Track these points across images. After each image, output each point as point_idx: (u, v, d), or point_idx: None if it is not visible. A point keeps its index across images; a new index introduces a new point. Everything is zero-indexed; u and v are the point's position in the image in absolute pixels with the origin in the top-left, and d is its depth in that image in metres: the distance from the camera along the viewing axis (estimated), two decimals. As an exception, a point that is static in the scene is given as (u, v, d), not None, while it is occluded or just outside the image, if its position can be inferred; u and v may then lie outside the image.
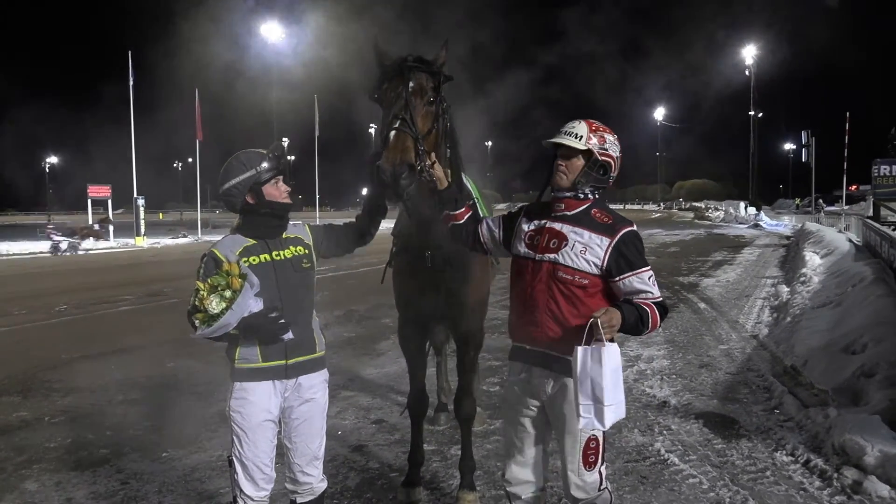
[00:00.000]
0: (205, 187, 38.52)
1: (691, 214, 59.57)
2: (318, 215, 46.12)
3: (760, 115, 57.20)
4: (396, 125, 2.92)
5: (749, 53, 54.05)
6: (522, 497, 2.93)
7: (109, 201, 32.28)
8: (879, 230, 13.10)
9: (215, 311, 2.60)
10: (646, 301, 2.61)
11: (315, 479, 3.01)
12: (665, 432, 5.03)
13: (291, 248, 2.94)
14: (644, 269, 2.63)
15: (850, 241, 16.07)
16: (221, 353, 2.94)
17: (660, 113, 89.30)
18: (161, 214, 66.20)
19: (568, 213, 2.72)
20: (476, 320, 3.86)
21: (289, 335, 2.80)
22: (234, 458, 2.86)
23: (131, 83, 30.37)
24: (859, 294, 8.29)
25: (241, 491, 2.86)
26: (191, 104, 33.12)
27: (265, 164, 2.84)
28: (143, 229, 30.26)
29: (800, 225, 27.90)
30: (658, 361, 7.16)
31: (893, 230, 15.72)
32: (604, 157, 2.68)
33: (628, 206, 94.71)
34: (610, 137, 2.70)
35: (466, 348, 3.91)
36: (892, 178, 21.12)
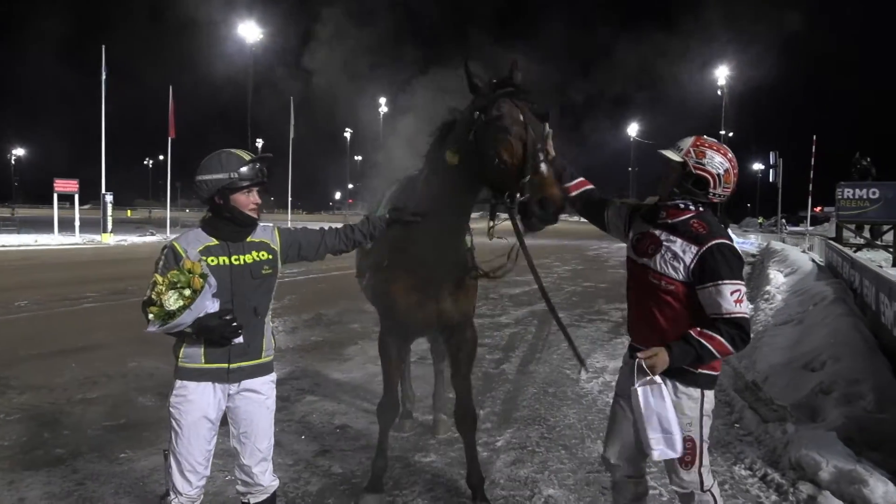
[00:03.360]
0: (175, 185, 38.01)
1: (661, 230, 60.20)
2: (289, 217, 45.77)
3: (731, 134, 58.28)
4: (543, 158, 2.90)
5: (722, 74, 55.08)
6: (618, 476, 3.09)
7: (76, 196, 31.66)
8: (841, 251, 13.40)
9: (172, 308, 2.57)
10: (707, 331, 2.64)
11: (265, 478, 3.00)
12: (627, 444, 5.07)
13: (254, 252, 2.90)
14: (727, 281, 2.64)
15: (814, 261, 16.40)
16: (183, 353, 2.91)
17: (633, 129, 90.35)
18: (129, 212, 65.18)
19: (669, 221, 2.83)
20: (472, 325, 3.92)
21: (239, 339, 2.79)
22: (169, 453, 2.86)
23: (104, 77, 29.90)
24: (820, 313, 8.46)
25: (174, 485, 2.85)
26: (164, 101, 32.71)
27: (243, 171, 2.79)
28: (109, 226, 29.74)
29: (765, 243, 28.41)
30: (623, 374, 7.22)
31: (854, 251, 16.10)
32: (699, 172, 2.75)
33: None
34: (715, 155, 2.76)
35: (464, 356, 3.92)
36: (855, 201, 21.63)
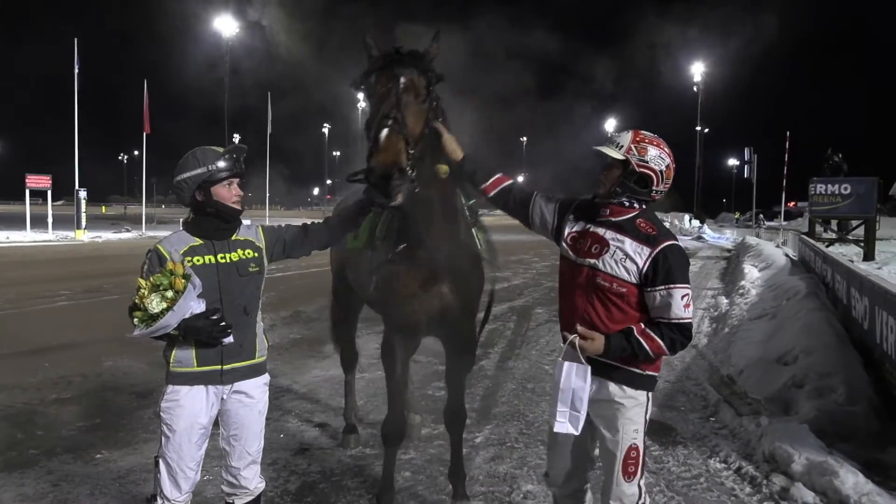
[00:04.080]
0: (150, 181, 37.53)
1: (638, 225, 60.73)
2: (267, 214, 45.43)
3: (706, 130, 58.97)
4: (388, 124, 2.78)
5: (697, 70, 55.70)
6: (561, 494, 2.98)
7: (49, 192, 31.13)
8: (814, 246, 13.63)
9: (155, 311, 2.55)
10: (648, 332, 2.58)
11: (252, 481, 2.98)
12: (605, 439, 5.12)
13: (239, 250, 2.87)
14: (679, 286, 2.58)
15: (787, 255, 16.65)
16: (160, 353, 2.88)
17: (611, 124, 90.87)
18: (104, 208, 64.22)
19: (613, 219, 2.70)
20: (474, 325, 3.80)
21: (229, 339, 2.75)
22: (160, 458, 2.82)
23: (76, 71, 29.42)
24: (793, 307, 8.60)
25: (162, 491, 2.81)
26: (139, 96, 32.29)
27: (220, 164, 2.78)
28: (84, 222, 29.31)
29: (741, 238, 28.79)
30: (601, 369, 7.28)
31: (827, 246, 16.38)
32: (642, 170, 2.63)
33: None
34: (654, 150, 2.65)
35: (464, 356, 3.79)
36: (828, 196, 21.99)
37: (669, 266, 2.59)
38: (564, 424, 2.67)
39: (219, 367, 2.80)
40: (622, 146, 2.66)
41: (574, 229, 2.81)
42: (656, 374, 2.78)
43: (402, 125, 2.80)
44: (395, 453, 3.84)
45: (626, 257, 2.62)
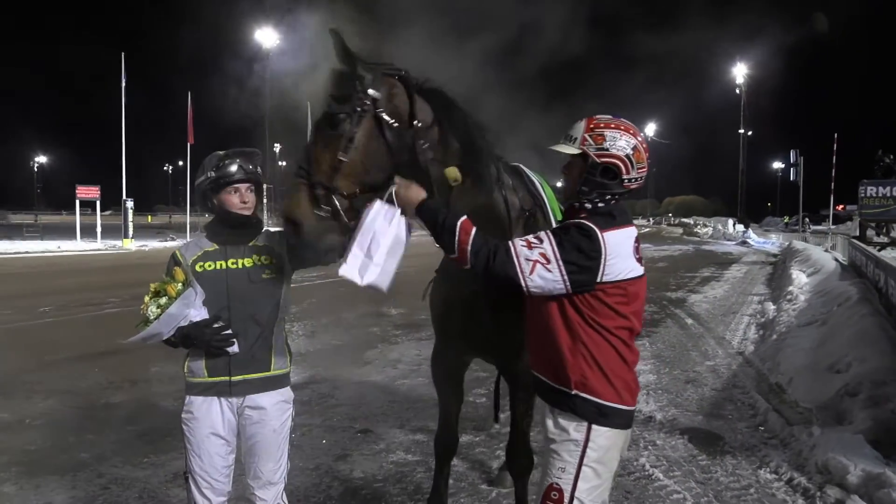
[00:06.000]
0: (195, 191, 38.40)
1: (680, 230, 59.96)
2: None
3: (750, 133, 57.86)
4: (295, 172, 2.49)
5: (740, 72, 54.74)
6: None
7: (98, 202, 32.08)
8: (865, 250, 13.21)
9: (150, 318, 2.52)
10: (470, 224, 2.27)
11: None
12: (650, 447, 5.03)
13: (255, 256, 2.73)
14: (545, 234, 2.25)
15: (837, 260, 16.18)
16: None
17: (651, 128, 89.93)
18: (150, 217, 65.89)
19: (567, 221, 2.42)
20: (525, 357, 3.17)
21: (234, 349, 2.64)
22: (187, 471, 2.79)
23: (123, 84, 30.30)
24: (844, 313, 8.34)
25: (194, 501, 2.77)
26: (183, 107, 33.10)
27: (225, 170, 2.67)
28: (130, 231, 30.11)
29: (787, 243, 28.11)
30: (644, 376, 7.17)
31: (879, 251, 15.86)
32: (604, 160, 2.28)
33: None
34: (614, 134, 2.30)
35: (518, 387, 3.25)
36: (879, 198, 21.38)
37: (556, 226, 2.36)
38: (350, 269, 2.37)
39: (227, 378, 2.68)
40: (576, 139, 2.32)
41: None
42: (603, 401, 2.28)
43: (307, 170, 2.46)
44: (447, 468, 3.65)
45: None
